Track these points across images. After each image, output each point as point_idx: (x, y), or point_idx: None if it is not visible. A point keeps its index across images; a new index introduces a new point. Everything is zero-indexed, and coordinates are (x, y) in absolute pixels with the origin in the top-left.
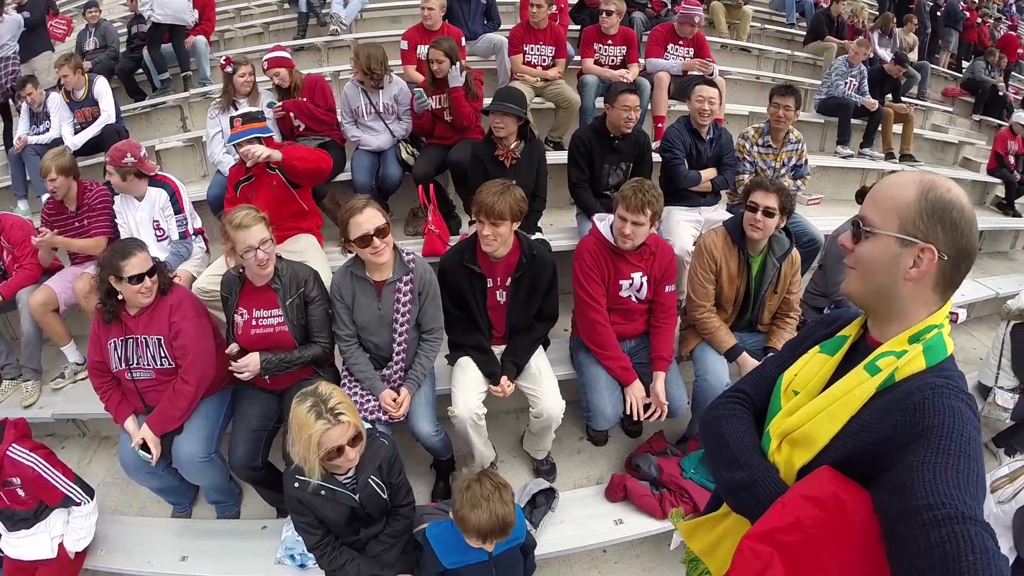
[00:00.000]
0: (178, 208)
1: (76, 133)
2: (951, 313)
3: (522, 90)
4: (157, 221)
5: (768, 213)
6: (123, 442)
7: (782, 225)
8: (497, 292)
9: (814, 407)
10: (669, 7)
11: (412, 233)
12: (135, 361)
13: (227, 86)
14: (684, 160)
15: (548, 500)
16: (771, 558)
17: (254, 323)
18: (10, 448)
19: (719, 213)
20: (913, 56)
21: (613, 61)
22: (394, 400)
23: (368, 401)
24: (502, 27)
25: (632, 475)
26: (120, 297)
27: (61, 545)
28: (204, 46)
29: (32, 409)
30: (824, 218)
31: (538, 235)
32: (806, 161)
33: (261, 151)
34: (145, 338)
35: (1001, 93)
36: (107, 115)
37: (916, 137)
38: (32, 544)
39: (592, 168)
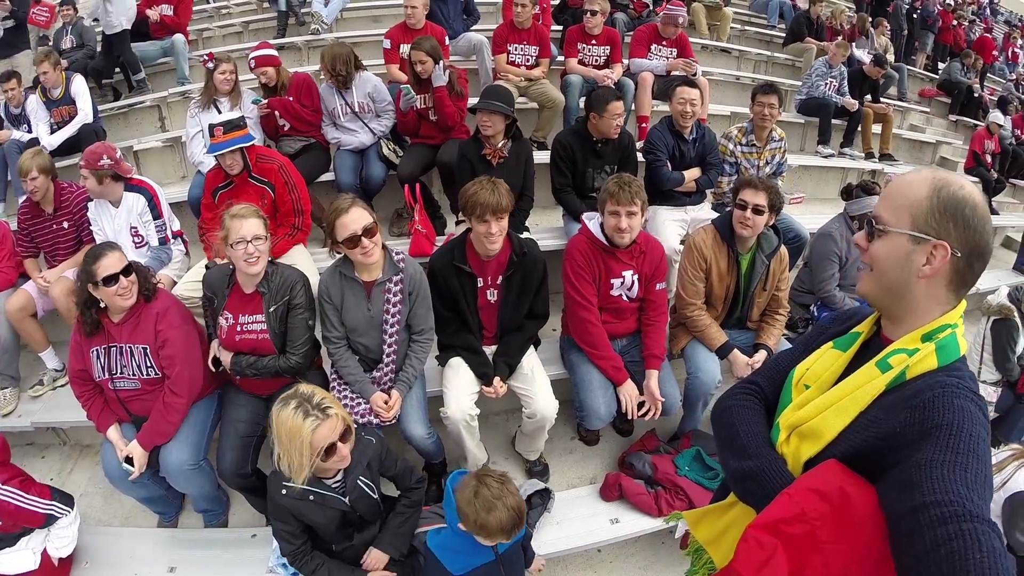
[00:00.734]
0: (157, 213)
1: (52, 133)
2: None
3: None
4: (135, 227)
5: (757, 211)
6: (106, 451)
7: (771, 223)
8: (488, 291)
9: (824, 401)
10: (651, 8)
11: (397, 234)
12: (119, 370)
13: (208, 83)
14: (667, 161)
15: (544, 501)
16: (775, 548)
17: (239, 328)
18: None
19: (704, 212)
20: (889, 58)
21: (597, 61)
22: (385, 402)
23: (358, 404)
24: (482, 27)
25: (626, 474)
26: (102, 305)
27: (44, 552)
28: (183, 44)
29: (10, 417)
30: (806, 216)
31: (525, 234)
32: (786, 159)
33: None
34: (130, 347)
35: (977, 94)
36: (84, 114)
37: (894, 137)
38: (15, 559)
39: (576, 172)
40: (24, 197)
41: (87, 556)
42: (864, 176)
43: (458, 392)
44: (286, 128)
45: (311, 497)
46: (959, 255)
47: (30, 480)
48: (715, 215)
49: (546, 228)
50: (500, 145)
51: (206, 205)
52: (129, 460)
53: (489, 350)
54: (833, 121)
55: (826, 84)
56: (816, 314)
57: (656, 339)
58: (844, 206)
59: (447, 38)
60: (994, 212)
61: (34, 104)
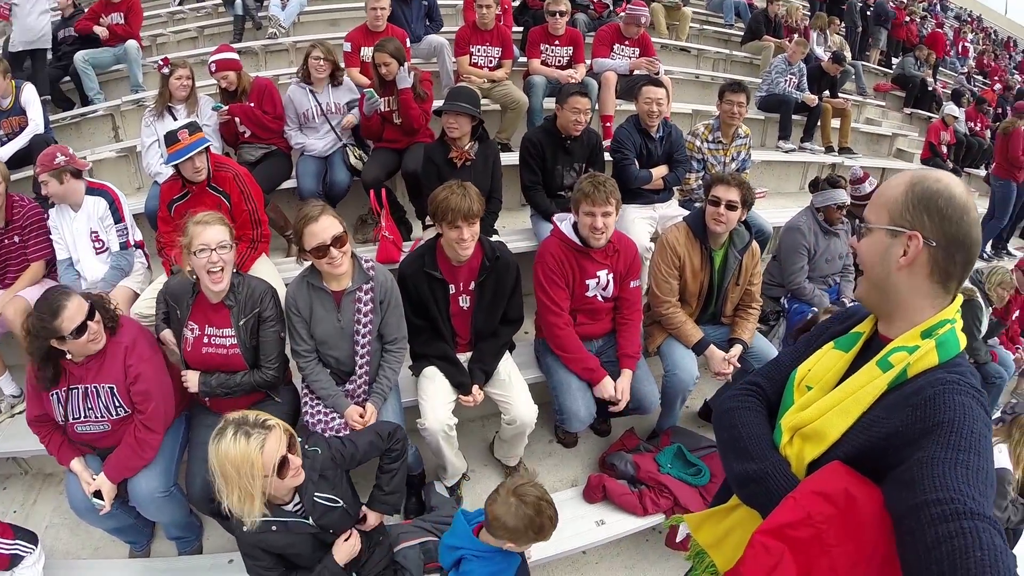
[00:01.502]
0: (118, 217)
1: (2, 145)
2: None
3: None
4: (96, 232)
5: (731, 206)
6: (71, 483)
7: (743, 218)
8: (460, 298)
9: (827, 402)
10: (611, 8)
11: (362, 240)
12: (82, 415)
13: (163, 90)
14: (635, 160)
15: None
16: (782, 553)
17: (206, 340)
18: None
19: (673, 209)
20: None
21: (560, 61)
22: (360, 416)
23: (333, 419)
24: (444, 31)
25: (608, 474)
26: (68, 356)
27: None
28: (136, 51)
29: None
30: (770, 211)
31: (495, 237)
32: (750, 155)
33: None
34: (96, 387)
35: (931, 87)
36: (35, 124)
37: (853, 131)
38: None
39: (545, 170)
40: None
41: None
42: (825, 169)
43: (435, 402)
44: (246, 135)
45: (274, 528)
46: (934, 244)
47: None
48: (684, 212)
49: (514, 230)
50: (467, 147)
51: (162, 218)
52: (97, 494)
53: (463, 357)
54: (793, 117)
55: (786, 81)
56: (787, 306)
57: (631, 338)
58: (811, 199)
59: (408, 40)
60: None
61: None
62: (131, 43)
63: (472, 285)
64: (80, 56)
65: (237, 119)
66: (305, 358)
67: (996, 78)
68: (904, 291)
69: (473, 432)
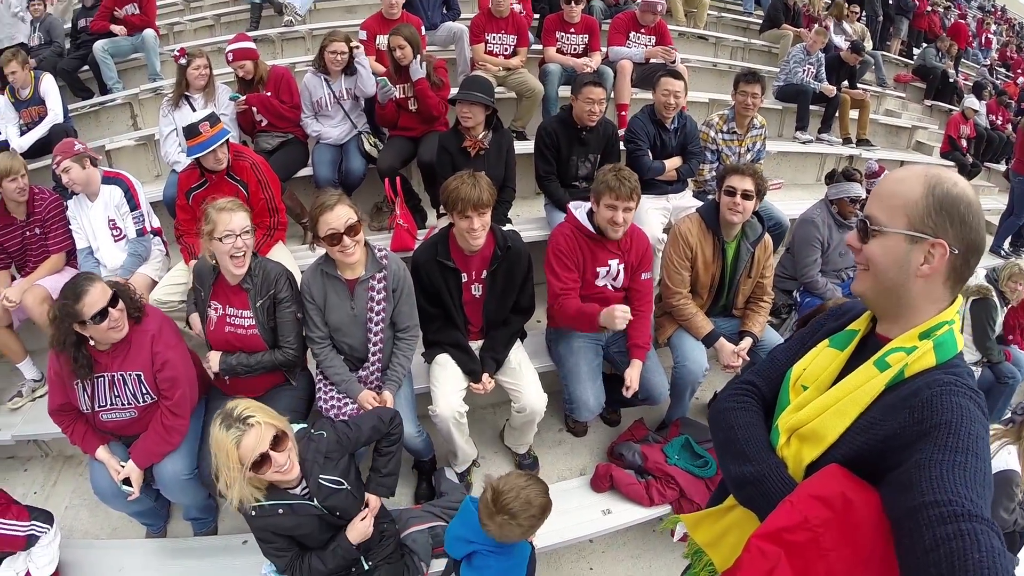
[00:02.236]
0: (134, 204)
1: (22, 135)
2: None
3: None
4: (113, 220)
5: (746, 196)
6: (94, 469)
7: (756, 208)
8: (472, 286)
9: (823, 403)
10: None
11: (376, 228)
12: (109, 402)
13: (180, 80)
14: (648, 151)
15: None
16: (778, 557)
17: (229, 320)
18: None
19: (686, 200)
20: (868, 44)
21: (575, 49)
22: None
23: (346, 405)
24: (461, 17)
25: (616, 464)
26: (92, 343)
27: (27, 574)
28: (153, 40)
29: None
30: (786, 202)
31: (508, 226)
32: (764, 145)
33: None
34: (122, 375)
35: (952, 79)
36: (54, 114)
37: (871, 122)
38: None
39: (560, 160)
40: None
41: (74, 571)
42: (842, 161)
43: (446, 389)
44: (263, 124)
45: (280, 511)
46: (956, 252)
47: (6, 505)
48: (697, 203)
49: (528, 219)
50: (480, 136)
51: (180, 206)
52: (126, 481)
53: (475, 345)
54: (811, 107)
55: (804, 70)
56: (799, 300)
57: (641, 329)
58: (825, 191)
59: (423, 28)
60: None
61: (2, 105)
62: (148, 32)
63: (484, 274)
64: (99, 45)
65: (254, 108)
66: (319, 344)
67: (1019, 71)
68: (917, 296)
69: (484, 420)
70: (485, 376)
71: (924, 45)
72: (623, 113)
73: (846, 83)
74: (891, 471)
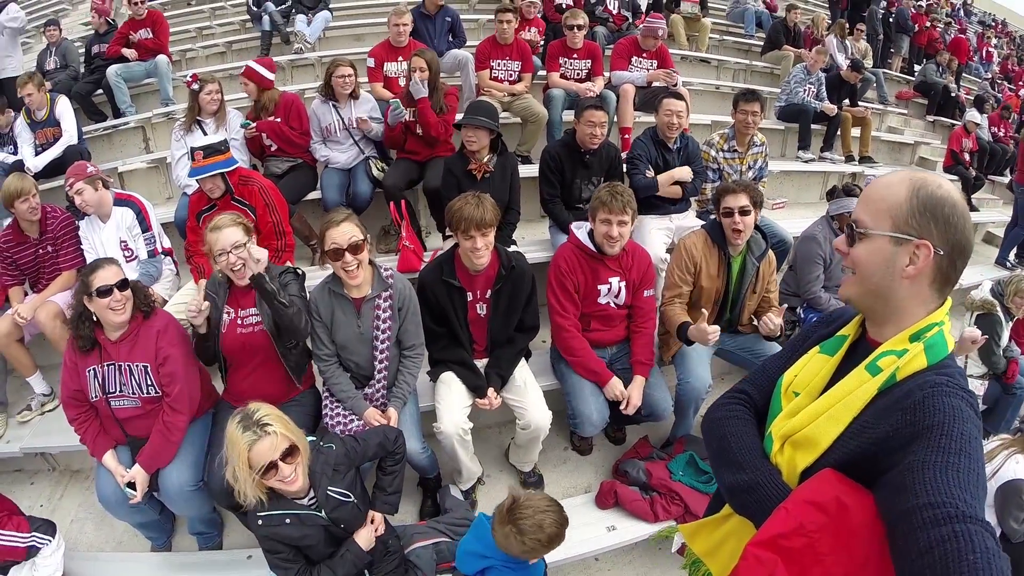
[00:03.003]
0: (145, 226)
1: (37, 155)
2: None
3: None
4: (124, 241)
5: (744, 212)
6: (101, 477)
7: (758, 219)
8: (477, 305)
9: (816, 409)
10: (630, 21)
11: (384, 250)
12: (117, 389)
13: (192, 104)
14: (645, 171)
15: None
16: (775, 564)
17: (240, 322)
18: None
19: (689, 220)
20: (868, 62)
21: (579, 74)
22: (378, 420)
23: (351, 422)
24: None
25: (621, 481)
26: (95, 319)
27: None
28: (166, 65)
29: None
30: (790, 221)
31: (513, 248)
32: (766, 163)
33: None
34: (129, 365)
35: (953, 94)
36: (69, 136)
37: (874, 139)
38: None
39: (564, 183)
40: (7, 222)
41: None
42: (845, 179)
43: (451, 407)
44: (273, 149)
45: (287, 520)
46: (942, 253)
47: (7, 516)
48: (700, 223)
49: (532, 241)
50: (485, 160)
51: (191, 228)
52: (130, 485)
53: (480, 363)
54: (813, 126)
55: (805, 90)
56: (803, 316)
57: (643, 346)
58: (827, 208)
59: None
60: (974, 209)
61: (19, 126)
62: (162, 58)
63: (488, 293)
64: (113, 70)
65: (264, 133)
66: (326, 362)
67: (1021, 83)
68: (904, 298)
69: (489, 438)
70: (491, 391)
71: (925, 61)
72: (626, 136)
73: (847, 102)
74: (885, 474)
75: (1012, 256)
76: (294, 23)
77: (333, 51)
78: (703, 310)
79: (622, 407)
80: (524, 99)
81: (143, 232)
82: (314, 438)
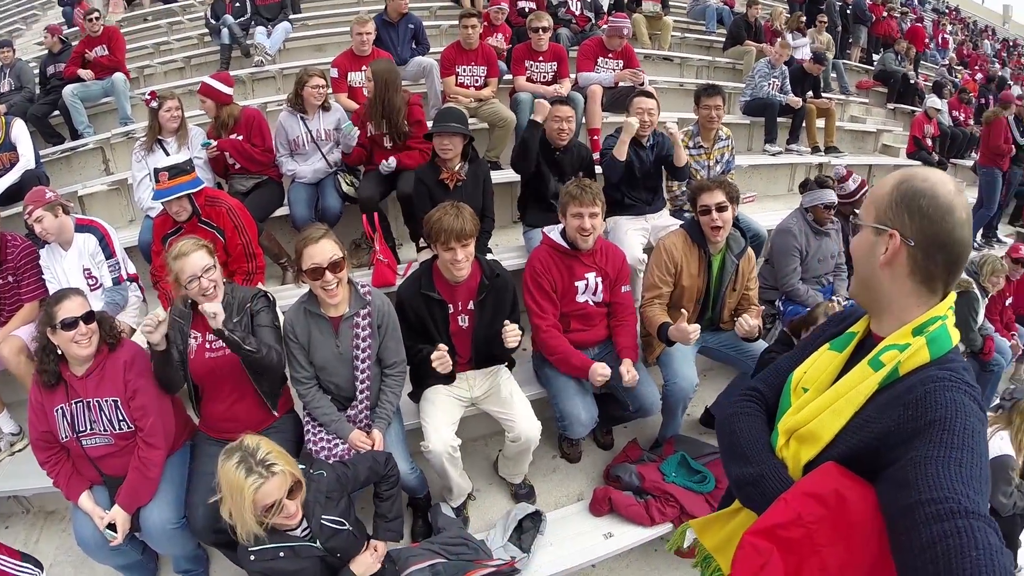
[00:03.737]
0: (109, 252)
1: None
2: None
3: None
4: (88, 269)
5: (721, 208)
6: (78, 520)
7: (735, 215)
8: (459, 317)
9: (820, 404)
10: (593, 22)
11: (356, 265)
12: (88, 427)
13: (152, 123)
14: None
15: (535, 524)
16: (771, 553)
17: (207, 346)
18: None
19: (664, 219)
20: (830, 54)
21: (545, 77)
22: (363, 441)
23: (336, 446)
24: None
25: (614, 486)
26: (60, 353)
27: None
28: (123, 83)
29: None
30: (762, 214)
31: (489, 256)
32: (733, 157)
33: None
34: (98, 401)
35: (912, 81)
36: (26, 160)
37: (837, 129)
38: None
39: (538, 174)
40: None
41: None
42: (812, 170)
43: (438, 424)
44: (236, 167)
45: (281, 554)
46: (912, 244)
47: None
48: (676, 221)
49: (507, 248)
50: (457, 168)
51: (156, 252)
52: (110, 527)
53: (462, 376)
54: (778, 119)
55: (769, 84)
56: (782, 308)
57: (627, 335)
58: (800, 200)
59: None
60: None
61: None
62: (118, 76)
63: (471, 304)
64: (68, 90)
65: (226, 152)
66: (305, 385)
67: (976, 67)
68: (888, 289)
69: (477, 451)
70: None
71: (883, 50)
72: (595, 138)
73: (811, 93)
74: (887, 468)
75: (979, 237)
76: (254, 35)
77: (294, 62)
78: (683, 310)
79: (625, 379)
80: (491, 104)
81: (107, 258)
82: (303, 466)
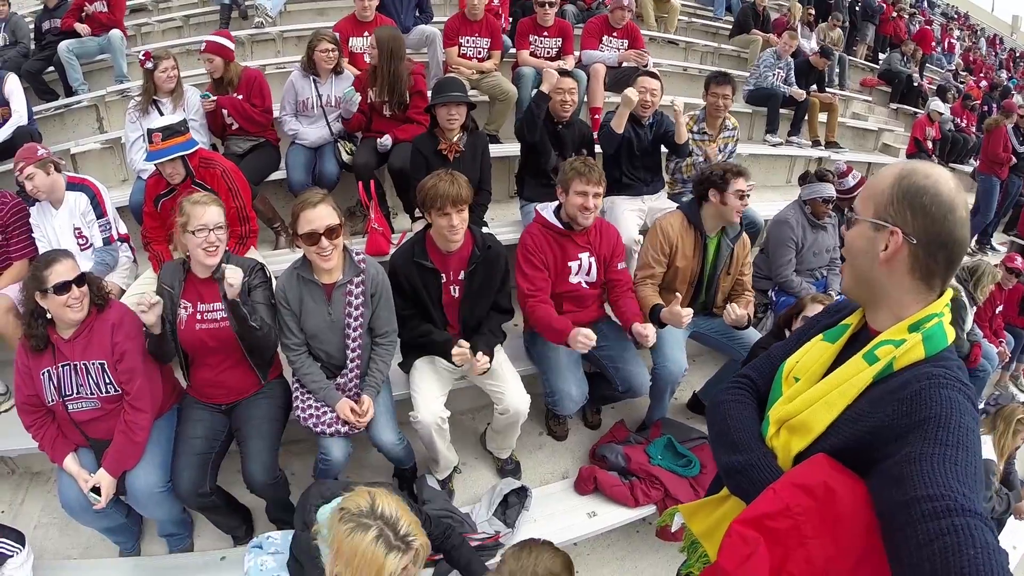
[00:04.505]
0: (100, 212)
1: None
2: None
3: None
4: (79, 228)
5: (746, 195)
6: (63, 482)
7: None
8: (451, 287)
9: (812, 394)
10: (600, 1)
11: (351, 233)
12: (74, 391)
13: (147, 83)
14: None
15: (521, 499)
16: (757, 543)
17: (199, 317)
18: None
19: (661, 202)
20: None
21: (549, 53)
22: (352, 410)
23: (325, 414)
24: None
25: (599, 466)
26: (48, 316)
27: None
28: (120, 41)
29: None
30: (759, 204)
31: (484, 229)
32: (735, 147)
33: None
34: (85, 364)
35: (916, 83)
36: (19, 116)
37: (839, 125)
38: None
39: (539, 150)
40: None
41: None
42: (811, 163)
43: (427, 395)
44: (234, 127)
45: None
46: (915, 242)
47: None
48: (672, 204)
49: (504, 222)
50: (456, 139)
51: (148, 213)
52: (95, 490)
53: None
54: (780, 110)
55: (775, 74)
56: (774, 299)
57: (629, 306)
58: (799, 192)
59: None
60: None
61: None
62: (115, 32)
63: (462, 275)
64: (64, 46)
65: (224, 110)
66: (295, 352)
67: (981, 75)
68: (886, 285)
69: (464, 424)
70: (480, 355)
71: (889, 50)
72: (596, 117)
73: (815, 87)
74: (879, 463)
75: (972, 243)
76: None
77: (295, 25)
78: (677, 293)
79: (645, 334)
80: (493, 77)
81: (98, 218)
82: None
